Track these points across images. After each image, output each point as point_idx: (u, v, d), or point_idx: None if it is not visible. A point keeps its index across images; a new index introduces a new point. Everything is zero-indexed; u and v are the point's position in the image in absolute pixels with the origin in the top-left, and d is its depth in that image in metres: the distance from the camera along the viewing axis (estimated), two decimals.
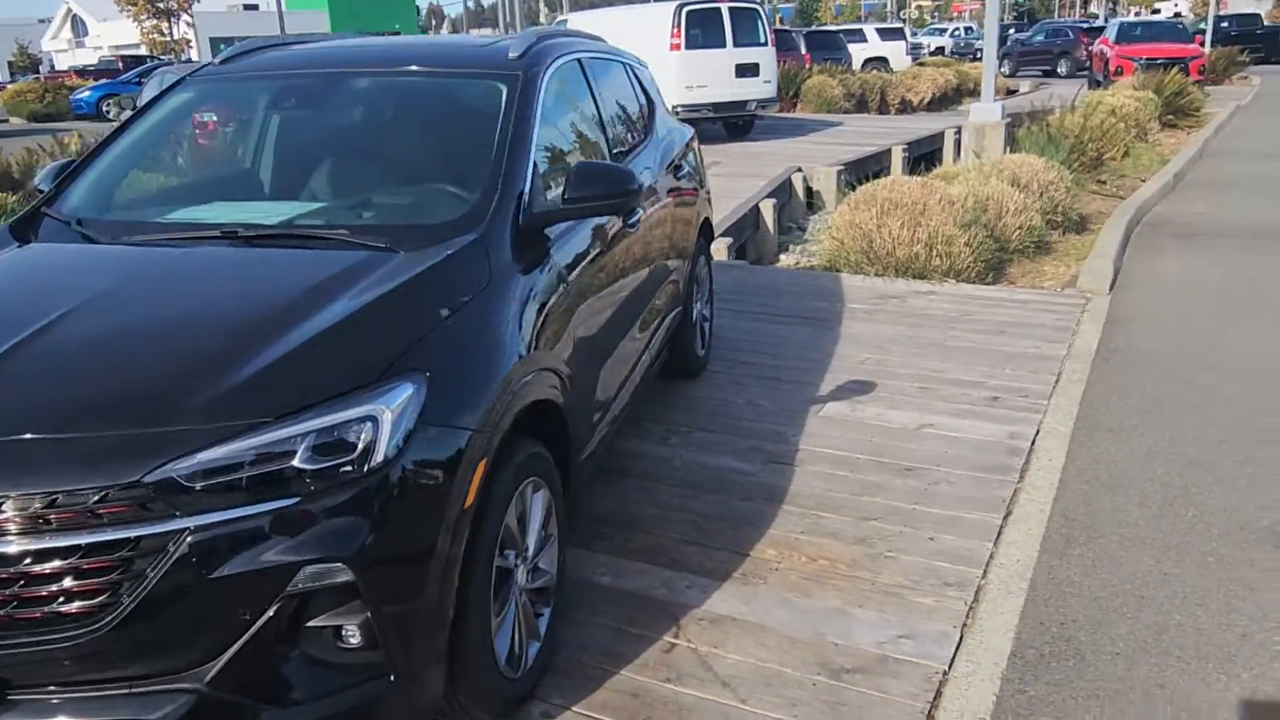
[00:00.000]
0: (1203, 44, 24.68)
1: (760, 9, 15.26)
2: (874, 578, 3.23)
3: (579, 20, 16.89)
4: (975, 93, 26.20)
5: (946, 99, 24.66)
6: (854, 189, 11.96)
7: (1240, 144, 14.23)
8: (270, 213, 2.98)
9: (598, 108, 3.83)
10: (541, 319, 2.73)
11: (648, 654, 2.88)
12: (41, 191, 3.23)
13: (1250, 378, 4.95)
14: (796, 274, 7.55)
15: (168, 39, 41.87)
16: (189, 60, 36.06)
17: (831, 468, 4.03)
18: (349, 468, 2.01)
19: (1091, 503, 3.74)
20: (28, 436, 1.95)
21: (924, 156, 15.37)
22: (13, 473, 1.90)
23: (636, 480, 3.97)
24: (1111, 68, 22.06)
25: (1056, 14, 68.41)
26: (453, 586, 2.19)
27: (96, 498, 1.88)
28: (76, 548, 1.88)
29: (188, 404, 1.99)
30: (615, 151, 3.89)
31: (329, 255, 2.59)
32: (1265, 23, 38.65)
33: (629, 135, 4.19)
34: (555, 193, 3.02)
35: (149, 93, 12.14)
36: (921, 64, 27.49)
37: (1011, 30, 41.75)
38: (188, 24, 43.43)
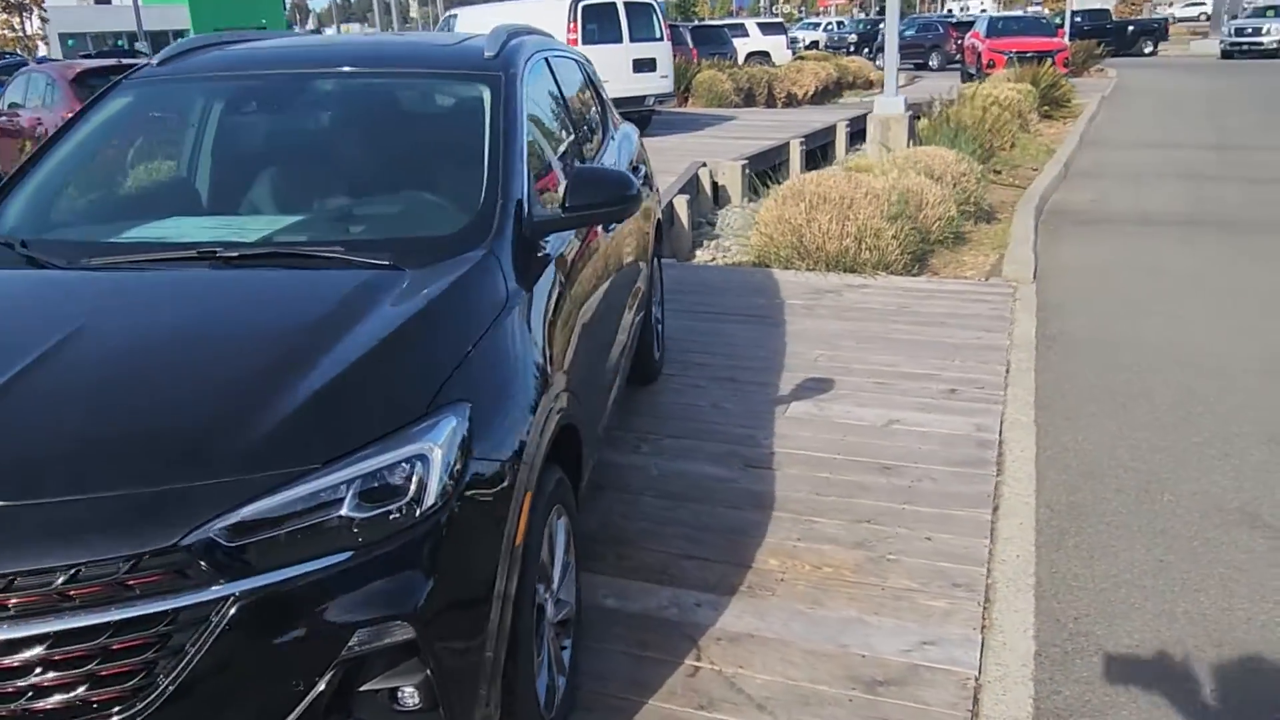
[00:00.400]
0: (1065, 38, 25.90)
1: (655, 3, 15.21)
2: (882, 583, 3.19)
3: (467, 15, 16.52)
4: (854, 85, 27.17)
5: (828, 92, 25.25)
6: (760, 182, 12.03)
7: (1112, 133, 14.96)
8: (241, 229, 2.72)
9: (567, 109, 3.67)
10: (550, 336, 2.57)
11: (673, 680, 2.76)
12: None
13: (1184, 363, 5.15)
14: (727, 271, 7.52)
15: (19, 34, 39.06)
16: (45, 58, 33.80)
17: (811, 469, 3.99)
18: (400, 513, 1.82)
19: (1072, 492, 3.80)
20: (36, 500, 1.69)
21: (819, 149, 15.65)
22: (21, 543, 1.64)
23: (616, 493, 3.83)
24: (984, 61, 22.92)
25: (918, 8, 70.95)
26: (506, 632, 2.02)
27: (127, 567, 1.64)
28: (105, 626, 1.64)
29: (222, 452, 1.76)
30: (588, 154, 3.74)
31: (331, 275, 2.37)
32: (1113, 17, 40.89)
33: (596, 136, 4.05)
34: (546, 201, 2.87)
35: (14, 94, 11.26)
36: (801, 58, 28.04)
37: (880, 25, 43.01)
38: (41, 19, 40.59)
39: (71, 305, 2.28)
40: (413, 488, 1.84)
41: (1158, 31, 39.24)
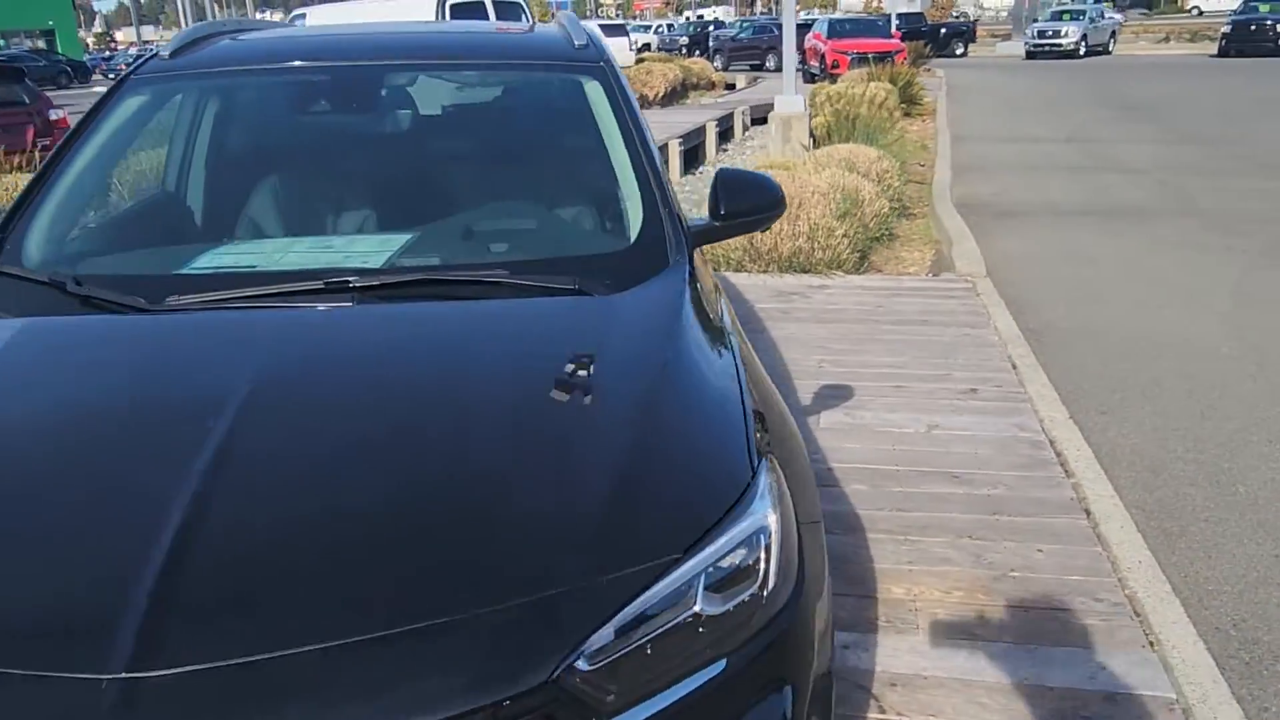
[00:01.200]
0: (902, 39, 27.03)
1: (523, 2, 14.77)
2: (1021, 605, 3.00)
3: (322, 13, 15.57)
4: (698, 87, 27.52)
5: (675, 93, 25.46)
6: None
7: (972, 129, 15.59)
8: (345, 253, 2.23)
9: None
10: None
11: None
12: None
13: (1171, 349, 5.25)
14: None
15: None
16: None
17: (879, 483, 3.77)
18: (750, 602, 1.46)
19: (1152, 490, 3.74)
20: (337, 642, 1.22)
21: (691, 150, 15.64)
22: (331, 708, 1.18)
23: None
24: (828, 61, 23.58)
25: (736, 11, 73.03)
26: None
27: None
28: None
29: (574, 546, 1.35)
30: None
31: (526, 306, 1.95)
32: (927, 21, 43.11)
33: None
34: None
35: None
36: (642, 60, 28.24)
37: (711, 26, 43.85)
38: None
39: (211, 359, 1.76)
40: (761, 569, 1.47)
41: (967, 34, 41.72)
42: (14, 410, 1.65)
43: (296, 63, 2.67)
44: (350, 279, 2.00)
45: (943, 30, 40.84)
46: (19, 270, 2.11)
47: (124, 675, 1.14)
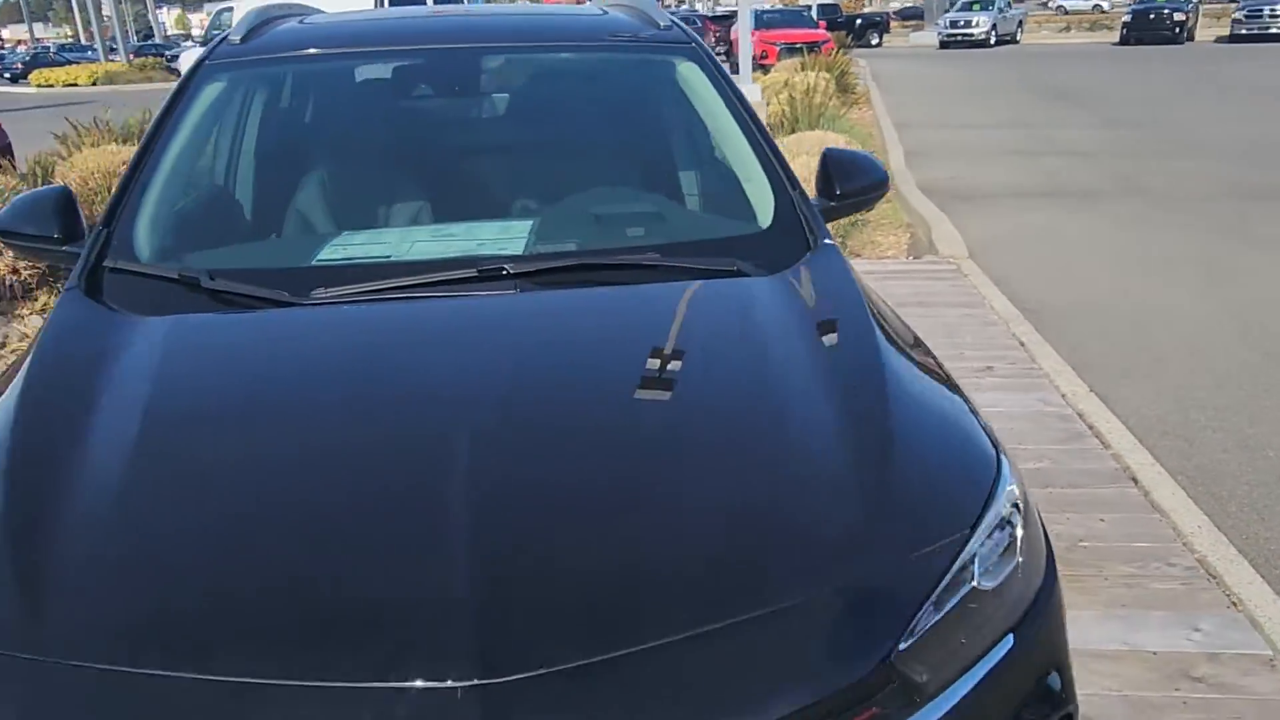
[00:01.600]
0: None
1: None
2: (1100, 573, 3.07)
3: (247, 2, 15.07)
4: None
5: None
6: None
7: (909, 116, 15.88)
8: (477, 239, 2.15)
9: None
10: None
11: None
12: (52, 236, 2.11)
13: (1164, 322, 5.43)
14: None
15: None
16: None
17: None
18: (1010, 577, 1.45)
19: (1187, 457, 3.85)
20: (669, 638, 1.16)
21: None
22: (680, 702, 1.13)
23: None
24: (756, 52, 23.72)
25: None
26: None
27: (823, 712, 1.16)
28: None
29: (871, 531, 1.32)
30: None
31: (697, 288, 1.90)
32: (843, 12, 43.86)
33: None
34: None
35: None
36: None
37: None
38: None
39: (412, 356, 1.68)
40: (1018, 544, 1.47)
41: (881, 25, 42.60)
42: (247, 414, 1.55)
43: (377, 46, 2.57)
44: (504, 266, 1.93)
45: (858, 21, 41.59)
46: (135, 266, 1.98)
47: (477, 683, 1.08)
